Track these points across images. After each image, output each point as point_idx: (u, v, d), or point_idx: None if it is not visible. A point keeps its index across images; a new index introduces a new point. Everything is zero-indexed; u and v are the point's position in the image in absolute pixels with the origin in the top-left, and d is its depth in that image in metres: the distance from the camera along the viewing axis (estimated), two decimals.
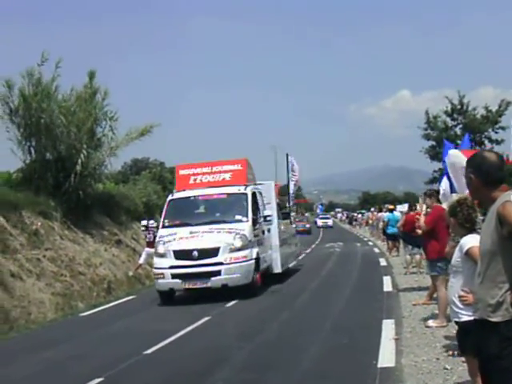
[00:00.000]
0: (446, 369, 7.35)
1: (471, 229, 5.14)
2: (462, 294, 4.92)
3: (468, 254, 4.98)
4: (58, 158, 20.53)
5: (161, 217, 16.71)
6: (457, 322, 5.14)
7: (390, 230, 23.19)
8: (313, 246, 35.68)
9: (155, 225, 21.87)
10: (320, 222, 74.05)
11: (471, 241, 5.00)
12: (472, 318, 4.45)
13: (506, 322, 3.71)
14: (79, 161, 20.33)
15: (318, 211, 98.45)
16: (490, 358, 3.82)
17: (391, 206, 26.59)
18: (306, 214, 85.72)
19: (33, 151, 20.59)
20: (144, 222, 19.86)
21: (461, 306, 5.02)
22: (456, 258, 5.22)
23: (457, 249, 5.24)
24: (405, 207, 23.74)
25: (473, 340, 4.41)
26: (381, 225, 30.10)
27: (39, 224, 17.68)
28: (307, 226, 55.55)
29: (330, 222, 75.84)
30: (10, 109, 20.03)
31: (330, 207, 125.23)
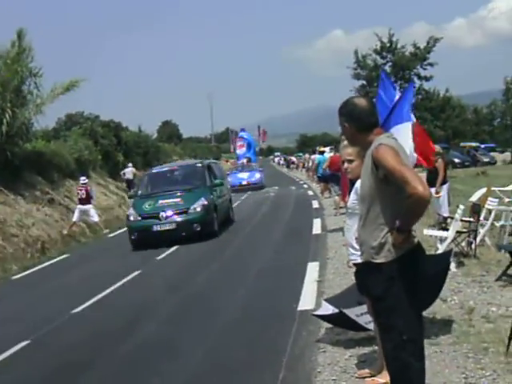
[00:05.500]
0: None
1: None
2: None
3: None
4: None
5: (94, 172, 16.73)
6: (355, 264, 5.31)
7: (322, 172, 23.53)
8: (249, 192, 35.66)
9: (87, 181, 21.71)
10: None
11: None
12: None
13: (389, 263, 3.86)
14: (4, 120, 19.93)
15: (244, 153, 46.16)
16: (376, 299, 4.02)
17: (322, 148, 26.92)
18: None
19: None
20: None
21: (357, 248, 5.20)
22: (352, 200, 5.30)
23: (353, 191, 5.36)
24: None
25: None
26: (313, 167, 30.48)
27: None
28: None
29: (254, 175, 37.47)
30: None
31: (269, 152, 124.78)
